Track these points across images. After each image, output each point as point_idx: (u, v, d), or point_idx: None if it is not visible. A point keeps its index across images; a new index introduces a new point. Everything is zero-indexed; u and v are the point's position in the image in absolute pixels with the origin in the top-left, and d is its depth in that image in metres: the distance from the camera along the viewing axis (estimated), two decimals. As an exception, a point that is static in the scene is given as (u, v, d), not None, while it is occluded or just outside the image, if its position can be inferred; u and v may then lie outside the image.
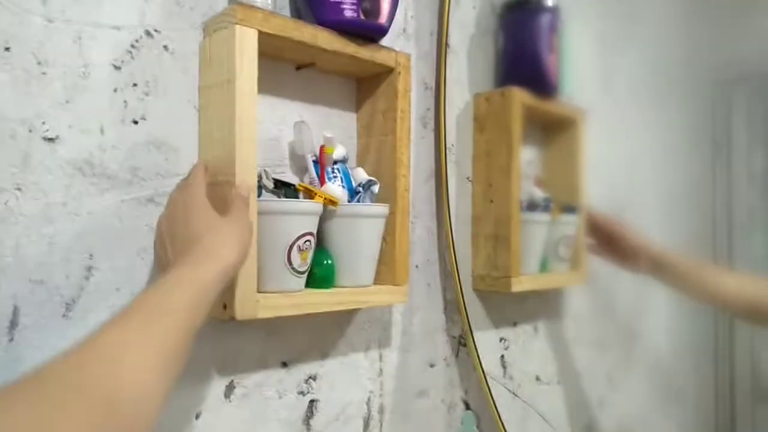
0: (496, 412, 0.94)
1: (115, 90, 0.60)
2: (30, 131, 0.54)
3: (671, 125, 1.28)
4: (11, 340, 0.53)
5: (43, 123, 0.55)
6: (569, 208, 1.07)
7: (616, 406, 1.29)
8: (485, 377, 0.94)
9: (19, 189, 0.54)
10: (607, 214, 1.08)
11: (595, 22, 1.21)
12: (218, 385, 0.67)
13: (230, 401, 0.68)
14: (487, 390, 0.93)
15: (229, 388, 0.68)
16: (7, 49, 0.53)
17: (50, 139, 0.56)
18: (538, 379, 1.14)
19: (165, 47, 0.63)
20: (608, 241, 1.06)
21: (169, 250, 0.55)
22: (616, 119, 1.22)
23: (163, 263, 0.57)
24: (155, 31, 0.62)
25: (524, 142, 1.01)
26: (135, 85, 0.61)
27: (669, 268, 1.03)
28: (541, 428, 1.13)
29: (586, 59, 1.18)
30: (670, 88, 1.29)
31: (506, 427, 0.95)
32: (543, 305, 1.15)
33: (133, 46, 0.61)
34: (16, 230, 0.53)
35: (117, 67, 0.60)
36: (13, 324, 0.53)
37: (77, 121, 0.57)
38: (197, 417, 0.65)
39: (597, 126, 1.14)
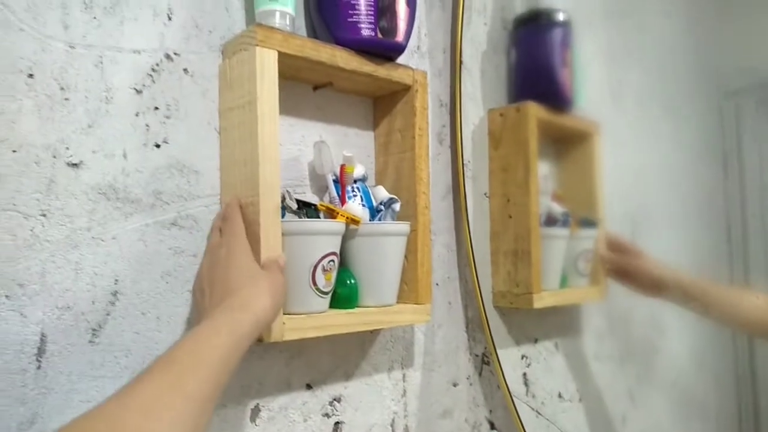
0: (523, 431, 0.92)
1: (137, 114, 0.60)
2: (54, 157, 0.54)
3: (681, 137, 1.27)
4: (39, 367, 0.52)
5: (67, 148, 0.55)
6: (587, 222, 1.06)
7: (639, 422, 1.27)
8: (511, 396, 0.92)
9: (44, 215, 0.53)
10: (623, 240, 1.07)
11: (602, 35, 1.21)
12: (244, 409, 0.66)
13: (256, 425, 0.67)
14: (513, 409, 0.91)
15: (255, 412, 0.67)
16: (30, 75, 0.53)
17: (74, 165, 0.55)
18: (560, 396, 1.12)
19: (185, 70, 0.63)
20: (625, 269, 1.05)
21: (207, 296, 0.56)
22: (627, 132, 1.22)
23: (200, 308, 0.58)
24: (175, 54, 0.63)
25: (539, 156, 1.00)
26: (156, 108, 0.61)
27: (689, 294, 1.02)
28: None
29: (596, 73, 1.18)
30: (678, 99, 1.28)
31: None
32: (562, 321, 1.13)
33: (153, 69, 0.61)
34: (42, 256, 0.53)
35: (138, 91, 0.60)
36: (41, 351, 0.52)
37: (100, 145, 0.57)
38: (223, 443, 0.64)
39: (608, 139, 1.14)
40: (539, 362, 1.07)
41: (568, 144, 1.11)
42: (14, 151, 0.52)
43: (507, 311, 0.97)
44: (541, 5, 1.00)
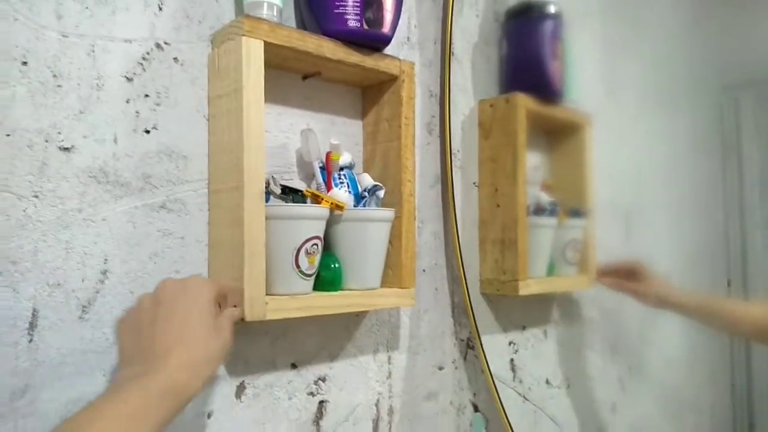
0: (504, 414, 0.94)
1: (128, 101, 0.62)
2: (46, 141, 0.57)
3: (679, 130, 1.28)
4: (30, 341, 0.55)
5: (59, 133, 0.58)
6: (576, 212, 1.08)
7: (629, 411, 1.28)
8: (493, 380, 0.94)
9: (36, 196, 0.56)
10: (630, 264, 1.06)
11: (599, 28, 1.22)
12: (229, 385, 0.69)
13: (241, 401, 0.70)
14: (495, 393, 0.94)
15: (240, 389, 0.70)
16: (24, 63, 0.56)
17: (66, 149, 0.58)
18: (548, 382, 1.14)
19: (175, 59, 0.66)
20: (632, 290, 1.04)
21: (140, 340, 0.52)
22: (622, 124, 1.23)
23: (127, 351, 0.54)
24: (165, 43, 0.65)
25: (530, 147, 1.02)
26: (147, 95, 0.63)
27: (692, 315, 1.04)
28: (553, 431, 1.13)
29: (591, 65, 1.19)
30: (676, 92, 1.29)
31: (515, 430, 0.96)
32: (552, 310, 1.15)
33: (144, 58, 0.63)
34: (34, 236, 0.56)
35: (129, 79, 0.62)
36: (32, 325, 0.55)
37: (91, 131, 0.60)
38: (209, 416, 0.67)
39: (603, 131, 1.15)
40: (527, 349, 1.09)
41: (559, 135, 1.12)
42: (8, 135, 0.55)
43: (494, 298, 1.00)
44: (532, -3, 1.02)
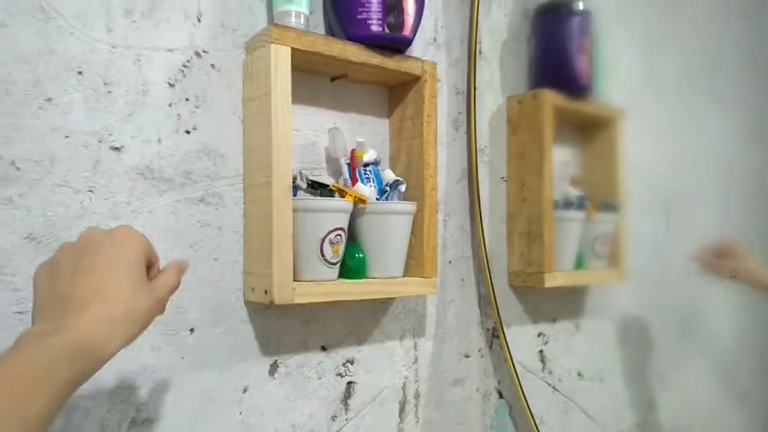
0: (525, 402, 0.97)
1: (170, 105, 0.69)
2: (99, 142, 0.64)
3: (726, 122, 1.27)
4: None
5: (110, 134, 0.65)
6: (607, 206, 1.09)
7: (669, 407, 1.28)
8: (515, 369, 0.97)
9: (91, 191, 0.64)
10: (730, 244, 1.06)
11: (640, 21, 1.22)
12: (264, 363, 0.75)
13: (274, 378, 0.76)
14: (517, 381, 0.97)
15: (273, 367, 0.76)
16: (79, 72, 0.63)
17: (116, 148, 0.65)
18: (579, 375, 1.15)
19: (212, 65, 0.72)
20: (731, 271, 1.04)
21: (55, 292, 0.46)
22: (664, 117, 1.22)
23: (40, 304, 0.47)
24: (204, 51, 0.71)
25: (560, 142, 1.04)
26: (187, 99, 0.70)
27: None
28: (584, 423, 1.15)
29: (629, 59, 1.19)
30: (723, 83, 1.27)
31: (534, 415, 0.99)
32: (584, 303, 1.17)
33: (184, 65, 0.70)
34: (90, 225, 0.63)
35: (171, 85, 0.69)
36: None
37: (138, 132, 0.67)
38: (245, 391, 0.73)
39: (641, 124, 1.15)
40: (557, 341, 1.12)
41: (591, 130, 1.13)
42: (66, 137, 0.62)
43: (523, 290, 1.03)
44: (561, -6, 1.04)
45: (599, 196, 1.09)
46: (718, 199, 1.26)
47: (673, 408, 1.29)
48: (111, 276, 0.46)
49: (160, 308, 0.50)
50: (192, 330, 0.69)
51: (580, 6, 1.03)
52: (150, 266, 0.52)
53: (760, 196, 1.25)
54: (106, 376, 0.64)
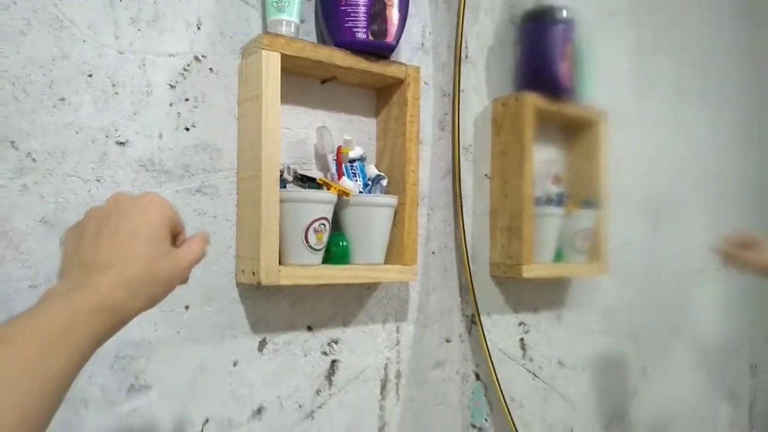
0: (498, 384, 1.04)
1: (171, 104, 0.77)
2: (106, 137, 0.72)
3: (715, 121, 1.31)
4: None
5: (116, 130, 0.73)
6: (588, 203, 1.15)
7: (652, 396, 1.32)
8: (490, 354, 1.04)
9: (98, 180, 0.71)
10: (750, 236, 1.07)
11: (629, 27, 1.27)
12: (253, 340, 0.83)
13: (263, 354, 0.83)
14: (491, 365, 1.03)
15: (262, 344, 0.83)
16: (90, 75, 0.71)
17: (122, 143, 0.73)
18: (560, 363, 1.21)
19: (210, 69, 0.79)
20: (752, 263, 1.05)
21: (80, 253, 0.47)
22: (653, 118, 1.27)
23: (66, 264, 0.49)
24: (203, 56, 0.79)
25: (544, 142, 1.11)
26: (187, 99, 0.78)
27: None
28: (564, 409, 1.21)
29: (616, 63, 1.25)
30: (714, 87, 1.31)
31: (509, 398, 1.05)
32: (565, 295, 1.22)
33: (185, 69, 0.78)
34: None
35: (172, 86, 0.77)
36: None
37: (142, 128, 0.74)
38: (235, 364, 0.81)
39: (629, 126, 1.21)
40: (539, 331, 1.18)
41: (575, 131, 1.19)
42: (77, 132, 0.70)
43: (504, 281, 1.09)
44: (545, 2, 1.10)
45: (581, 193, 1.15)
46: (708, 199, 1.31)
47: (656, 399, 1.34)
48: (133, 239, 0.47)
49: (182, 276, 0.51)
50: (187, 307, 0.77)
51: (564, 14, 1.09)
52: (176, 235, 0.53)
53: (750, 196, 1.30)
54: (108, 345, 0.71)
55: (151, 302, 0.48)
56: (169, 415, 0.76)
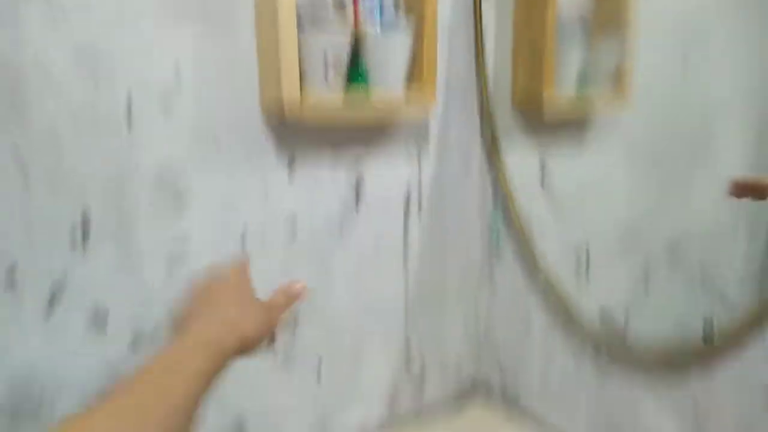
0: (515, 209, 1.11)
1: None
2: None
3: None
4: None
5: None
6: (613, 30, 1.12)
7: (670, 216, 1.34)
8: (506, 179, 1.09)
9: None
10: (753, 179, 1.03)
11: None
12: (283, 165, 0.90)
13: (292, 179, 0.91)
14: (508, 190, 1.09)
15: (292, 170, 0.91)
16: None
17: None
18: (578, 191, 1.26)
19: None
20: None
21: (192, 316, 0.56)
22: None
23: (179, 323, 0.57)
24: None
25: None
26: None
27: None
28: (583, 235, 1.27)
29: None
30: None
31: (524, 219, 1.12)
32: (587, 129, 1.23)
33: None
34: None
35: None
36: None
37: None
38: (266, 186, 0.90)
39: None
40: (558, 162, 1.21)
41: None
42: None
43: (526, 112, 1.11)
44: None
45: (607, 20, 1.12)
46: (740, 35, 1.24)
47: (674, 216, 1.37)
48: (227, 304, 0.57)
49: (268, 324, 0.59)
50: (217, 139, 0.84)
51: None
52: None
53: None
54: (151, 168, 0.80)
55: (243, 342, 0.54)
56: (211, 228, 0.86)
